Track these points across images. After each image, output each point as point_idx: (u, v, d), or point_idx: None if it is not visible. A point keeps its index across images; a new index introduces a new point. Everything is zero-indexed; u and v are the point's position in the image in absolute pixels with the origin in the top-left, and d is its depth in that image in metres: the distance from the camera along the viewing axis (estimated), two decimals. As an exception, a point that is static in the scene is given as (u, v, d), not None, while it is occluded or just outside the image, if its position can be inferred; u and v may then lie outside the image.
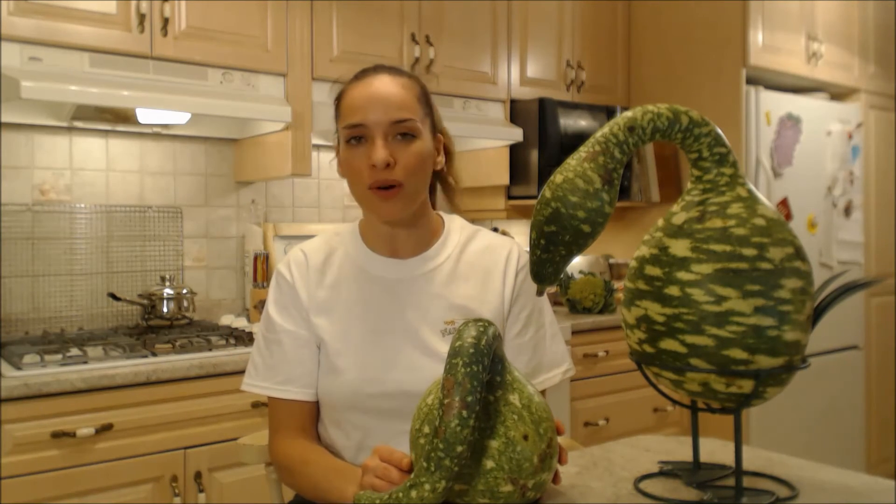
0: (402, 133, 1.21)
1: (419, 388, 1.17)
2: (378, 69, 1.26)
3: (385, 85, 1.22)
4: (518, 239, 2.72)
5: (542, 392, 1.28)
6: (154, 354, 1.96)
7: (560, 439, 0.98)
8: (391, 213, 1.22)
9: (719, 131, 0.98)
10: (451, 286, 1.27)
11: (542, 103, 2.93)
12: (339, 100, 1.27)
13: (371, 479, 0.97)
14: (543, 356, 1.31)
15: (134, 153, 2.47)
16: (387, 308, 1.26)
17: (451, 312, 1.25)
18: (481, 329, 0.91)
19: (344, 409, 1.25)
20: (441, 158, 1.31)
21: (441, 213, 1.37)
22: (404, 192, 1.21)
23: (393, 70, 1.26)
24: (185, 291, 2.39)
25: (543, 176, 2.92)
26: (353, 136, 1.21)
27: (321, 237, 1.35)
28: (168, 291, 2.36)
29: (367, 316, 1.25)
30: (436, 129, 1.29)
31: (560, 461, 0.99)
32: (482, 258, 1.31)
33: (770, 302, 0.92)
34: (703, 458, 1.12)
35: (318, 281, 1.29)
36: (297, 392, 1.26)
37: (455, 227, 1.34)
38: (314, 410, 1.29)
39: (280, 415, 1.27)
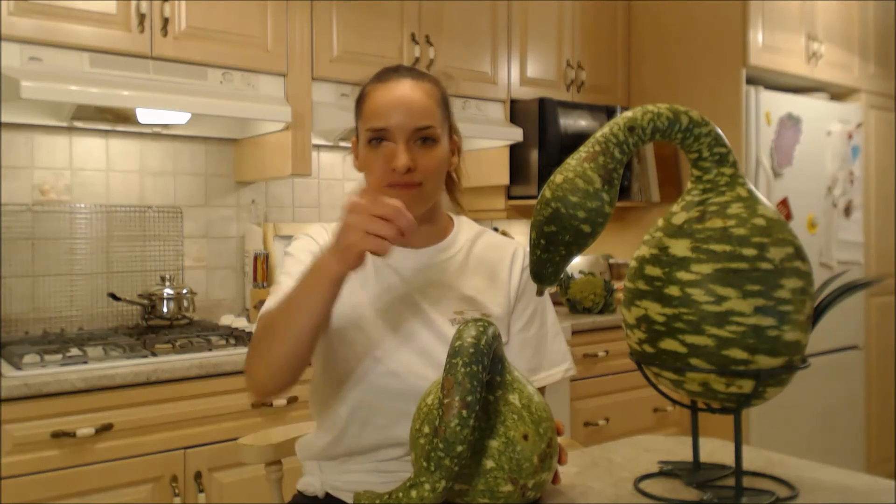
0: (423, 138, 1.22)
1: (427, 370, 1.18)
2: (401, 71, 1.26)
3: (408, 90, 1.23)
4: (518, 239, 2.72)
5: (543, 389, 1.29)
6: (154, 354, 1.96)
7: (560, 439, 0.98)
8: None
9: (719, 131, 0.98)
10: (462, 278, 1.30)
11: (542, 103, 2.93)
12: (360, 99, 1.27)
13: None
14: (545, 353, 1.33)
15: (134, 153, 2.47)
16: (401, 292, 1.27)
17: (460, 303, 1.27)
18: (481, 329, 0.91)
19: (350, 386, 1.23)
20: (455, 159, 1.34)
21: (449, 213, 1.39)
22: (422, 193, 1.23)
23: (415, 73, 1.27)
24: (185, 291, 2.39)
25: (543, 176, 2.92)
26: (375, 139, 1.22)
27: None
28: (168, 291, 2.36)
29: (381, 296, 1.27)
30: (451, 130, 1.31)
31: (560, 461, 0.99)
32: (489, 254, 1.34)
33: (770, 302, 0.92)
34: (703, 458, 1.12)
35: None
36: None
37: (464, 226, 1.38)
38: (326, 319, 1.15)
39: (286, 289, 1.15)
